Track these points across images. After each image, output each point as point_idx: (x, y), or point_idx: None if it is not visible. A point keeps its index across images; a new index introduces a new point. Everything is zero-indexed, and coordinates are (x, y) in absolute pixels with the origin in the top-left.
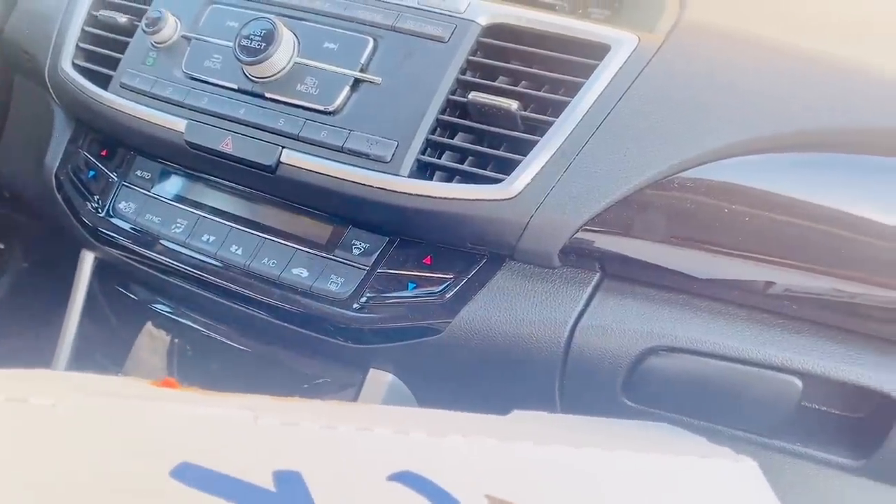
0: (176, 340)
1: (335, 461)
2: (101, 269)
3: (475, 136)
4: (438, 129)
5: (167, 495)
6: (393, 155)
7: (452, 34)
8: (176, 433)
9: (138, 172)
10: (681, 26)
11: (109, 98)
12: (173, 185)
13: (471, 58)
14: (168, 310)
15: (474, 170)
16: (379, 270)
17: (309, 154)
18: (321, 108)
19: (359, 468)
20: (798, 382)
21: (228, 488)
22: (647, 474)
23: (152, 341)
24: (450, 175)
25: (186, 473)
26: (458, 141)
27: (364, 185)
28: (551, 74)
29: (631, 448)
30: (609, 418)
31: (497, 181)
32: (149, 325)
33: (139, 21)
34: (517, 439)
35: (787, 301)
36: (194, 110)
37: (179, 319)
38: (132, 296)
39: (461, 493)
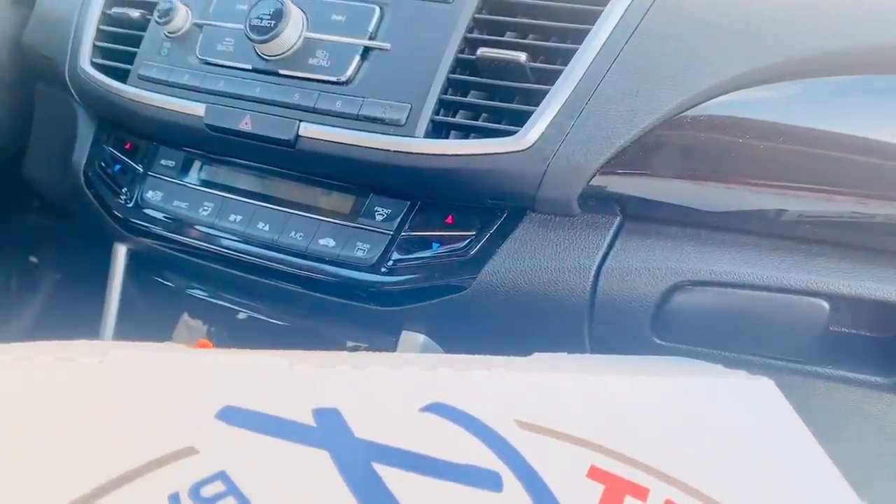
0: (212, 329)
1: (370, 397)
2: (133, 262)
3: (488, 92)
4: (450, 88)
5: (215, 436)
6: (407, 117)
7: None
8: (217, 381)
9: (162, 162)
10: None
11: (129, 90)
12: (197, 170)
13: (476, 15)
14: (203, 293)
15: (488, 125)
16: (403, 234)
17: (326, 125)
18: (334, 79)
19: (392, 402)
20: (825, 304)
21: (273, 426)
22: (666, 394)
23: (189, 332)
24: (466, 133)
25: (232, 415)
26: (471, 98)
27: (381, 149)
28: (557, 24)
29: (649, 374)
30: (627, 355)
31: (512, 134)
32: (185, 317)
33: (151, 15)
34: (538, 371)
35: (808, 226)
36: (211, 94)
37: (214, 301)
38: (167, 283)
39: (491, 420)
